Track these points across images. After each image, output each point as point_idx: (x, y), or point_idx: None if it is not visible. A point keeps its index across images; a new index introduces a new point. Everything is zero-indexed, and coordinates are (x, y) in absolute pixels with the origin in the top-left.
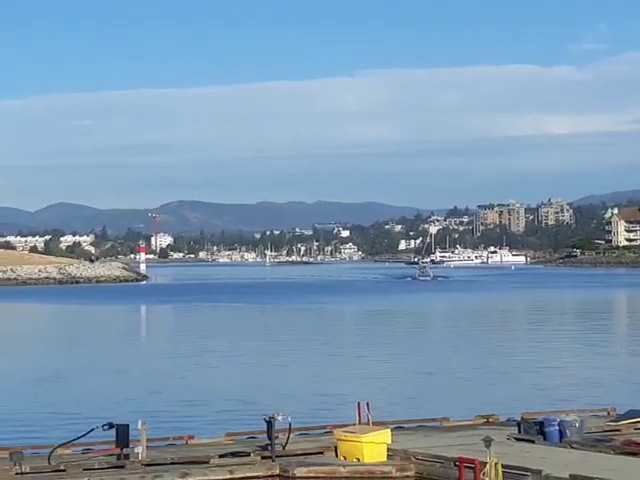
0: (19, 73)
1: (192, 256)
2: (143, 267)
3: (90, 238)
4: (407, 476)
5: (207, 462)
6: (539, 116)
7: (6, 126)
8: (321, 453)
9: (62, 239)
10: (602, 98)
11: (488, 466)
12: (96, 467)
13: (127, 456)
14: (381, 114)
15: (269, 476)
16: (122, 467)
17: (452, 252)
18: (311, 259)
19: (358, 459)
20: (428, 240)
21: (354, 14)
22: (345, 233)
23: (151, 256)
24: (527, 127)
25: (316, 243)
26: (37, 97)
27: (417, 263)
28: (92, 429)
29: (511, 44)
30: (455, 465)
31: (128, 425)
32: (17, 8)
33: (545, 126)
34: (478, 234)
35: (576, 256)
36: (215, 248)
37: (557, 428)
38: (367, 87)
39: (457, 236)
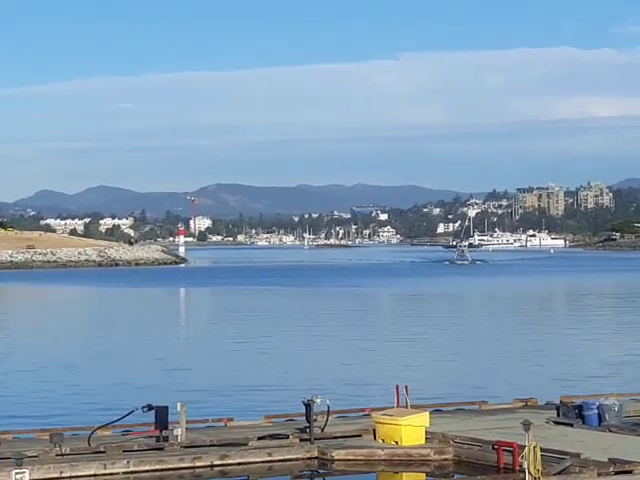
0: (61, 56)
1: (230, 239)
2: (182, 250)
3: (129, 221)
4: (445, 459)
5: (246, 444)
6: (580, 99)
7: (47, 109)
8: (359, 436)
9: (101, 222)
10: None
11: (527, 449)
12: (135, 449)
13: (166, 438)
14: (422, 97)
15: (307, 458)
16: (161, 449)
17: (491, 235)
18: (349, 242)
19: (396, 442)
20: (467, 223)
21: None
22: (383, 216)
23: (190, 239)
24: (567, 110)
25: (354, 226)
26: (78, 80)
27: (455, 246)
28: (131, 411)
29: (553, 27)
30: (493, 448)
31: (167, 407)
32: None
33: (586, 109)
34: (517, 217)
35: (615, 239)
36: (254, 231)
37: (596, 412)
38: (409, 70)
39: (496, 219)
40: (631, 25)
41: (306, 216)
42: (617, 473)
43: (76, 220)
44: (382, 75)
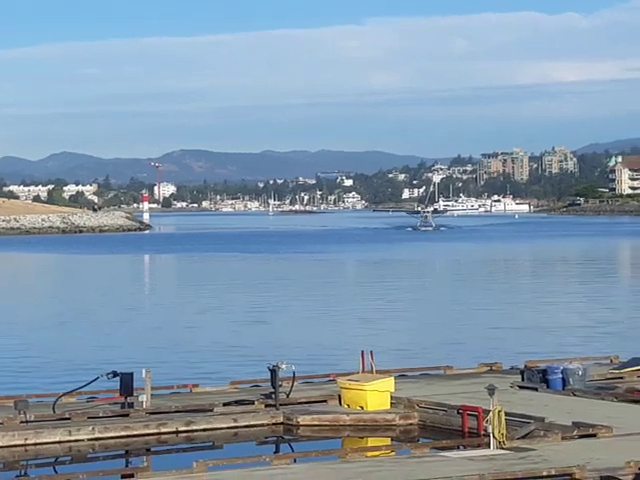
0: (25, 21)
1: (195, 205)
2: (146, 216)
3: (93, 187)
4: (410, 424)
5: (211, 410)
6: (545, 64)
7: (10, 75)
8: (325, 401)
9: (65, 188)
10: (609, 45)
11: (491, 414)
12: (100, 415)
13: (131, 404)
14: (386, 62)
15: (273, 424)
16: (126, 415)
17: (455, 201)
18: (314, 208)
19: (362, 407)
20: (431, 189)
21: None
22: (348, 182)
23: (154, 205)
24: (532, 75)
25: (319, 192)
26: (42, 46)
27: (419, 212)
28: (96, 378)
29: None
30: (458, 413)
31: (132, 374)
32: None
33: (550, 74)
34: (482, 183)
35: (580, 204)
36: (218, 197)
37: (560, 376)
38: (373, 35)
39: (461, 185)
40: None
41: (271, 182)
42: (581, 437)
43: (39, 187)
44: (346, 40)
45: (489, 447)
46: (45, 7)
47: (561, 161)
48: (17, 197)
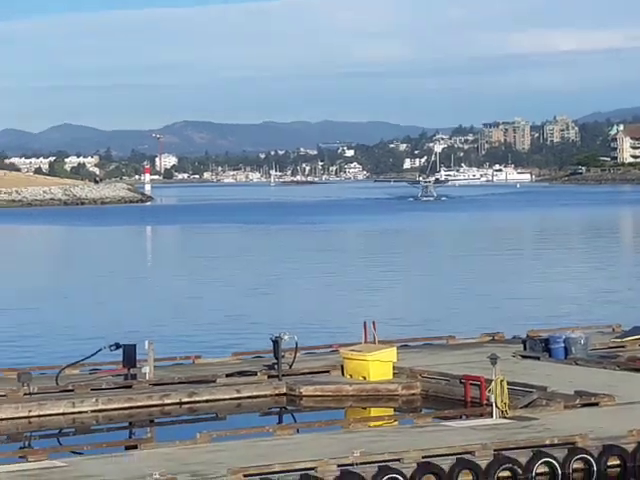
0: None
1: (197, 177)
2: (148, 188)
3: (95, 159)
4: (413, 394)
5: (214, 381)
6: (546, 32)
7: (10, 47)
8: (327, 372)
9: (67, 160)
10: (611, 14)
11: (494, 383)
12: (104, 387)
13: (134, 376)
14: (386, 33)
15: (276, 395)
16: (129, 387)
17: (457, 171)
18: (315, 179)
19: (364, 377)
20: (433, 159)
21: None
22: (350, 152)
23: (156, 177)
24: (533, 44)
25: (321, 163)
26: (41, 18)
27: (420, 182)
28: (99, 349)
29: None
30: (461, 382)
31: (135, 345)
32: None
33: (552, 42)
34: (483, 152)
35: (581, 173)
36: (220, 168)
37: (562, 345)
38: (375, 4)
39: (462, 154)
40: None
41: (272, 153)
42: (583, 405)
43: (41, 159)
44: (348, 10)
45: (492, 416)
46: None
47: (562, 130)
48: (18, 169)
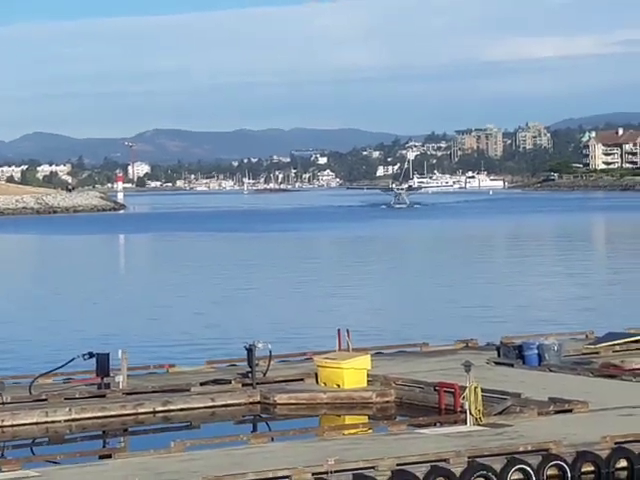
0: None
1: (170, 185)
2: (121, 196)
3: (67, 168)
4: (387, 401)
5: (188, 390)
6: (518, 39)
7: None
8: (301, 380)
9: (39, 169)
10: (583, 20)
11: (468, 390)
12: (77, 396)
13: (108, 385)
14: (359, 39)
15: (250, 403)
16: (103, 396)
17: (430, 178)
18: (289, 186)
19: (338, 385)
20: (406, 166)
21: None
22: (323, 160)
23: (128, 185)
24: (505, 51)
25: (294, 170)
26: (10, 27)
27: (393, 190)
28: (72, 359)
29: None
30: (435, 390)
31: (108, 354)
32: None
33: (523, 49)
34: (456, 159)
35: (554, 180)
36: (193, 176)
37: (536, 352)
38: (347, 12)
39: (435, 161)
40: None
41: (245, 161)
42: (557, 412)
43: (13, 167)
44: (320, 17)
45: (466, 423)
46: None
47: (535, 137)
48: None
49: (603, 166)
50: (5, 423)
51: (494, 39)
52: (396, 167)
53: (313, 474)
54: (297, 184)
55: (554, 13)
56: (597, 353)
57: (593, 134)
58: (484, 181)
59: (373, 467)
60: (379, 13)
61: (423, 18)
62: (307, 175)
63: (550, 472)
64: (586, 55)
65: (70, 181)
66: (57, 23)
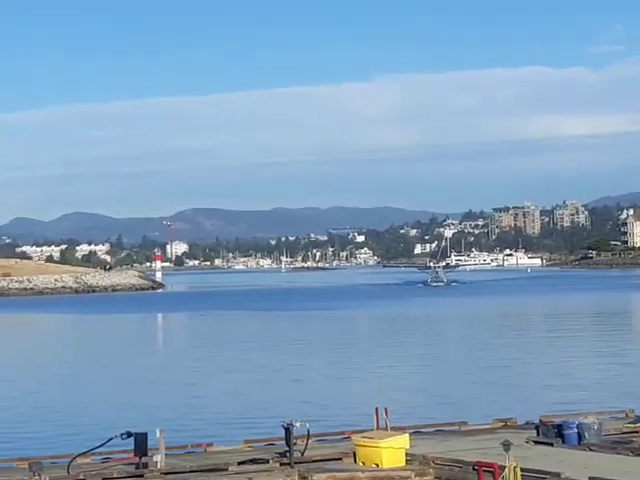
0: (35, 83)
1: (208, 263)
2: (159, 275)
3: (106, 247)
4: None
5: (226, 469)
6: (554, 117)
7: (21, 137)
8: (340, 459)
9: (78, 248)
10: (617, 98)
11: (507, 470)
12: (115, 476)
13: (146, 465)
14: (396, 119)
15: None
16: (141, 476)
17: (467, 255)
18: (326, 264)
19: (377, 464)
20: (443, 244)
21: (369, 17)
22: (360, 238)
23: (167, 264)
24: (541, 129)
25: (331, 248)
26: (51, 108)
27: (430, 267)
28: (110, 438)
29: (525, 46)
30: (474, 469)
31: (146, 433)
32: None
33: (559, 128)
34: (493, 237)
35: (592, 257)
36: (231, 255)
37: (575, 431)
38: (382, 92)
39: (472, 239)
40: (603, 44)
41: (283, 239)
42: None
43: (52, 247)
44: (355, 97)
45: None
46: (58, 69)
47: (572, 214)
48: (30, 258)
49: None
50: None
51: (528, 117)
52: (433, 245)
53: None
54: (334, 262)
55: (586, 91)
56: (637, 432)
57: (631, 211)
58: (522, 259)
59: None
60: (413, 93)
61: (456, 98)
62: (344, 253)
63: None
64: (619, 133)
65: (109, 260)
66: (89, 105)
